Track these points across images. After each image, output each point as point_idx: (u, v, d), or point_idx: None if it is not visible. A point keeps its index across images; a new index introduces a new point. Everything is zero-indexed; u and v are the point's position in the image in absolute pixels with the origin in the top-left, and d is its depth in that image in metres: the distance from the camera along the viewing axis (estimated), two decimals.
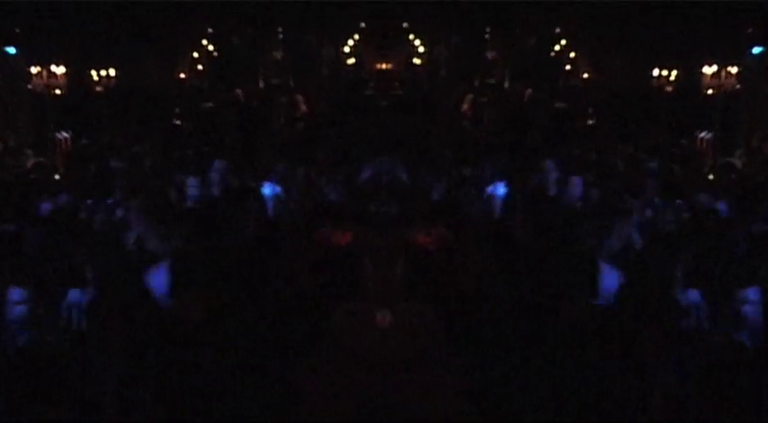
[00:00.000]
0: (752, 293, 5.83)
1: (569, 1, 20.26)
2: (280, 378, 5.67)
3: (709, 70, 17.38)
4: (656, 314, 5.50)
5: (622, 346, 5.59)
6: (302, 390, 4.80)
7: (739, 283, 5.96)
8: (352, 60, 22.18)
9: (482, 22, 21.65)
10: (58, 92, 17.31)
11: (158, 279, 7.14)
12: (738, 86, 16.94)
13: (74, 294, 6.41)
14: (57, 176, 13.50)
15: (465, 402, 4.95)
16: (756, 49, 16.40)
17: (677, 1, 17.70)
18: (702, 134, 16.94)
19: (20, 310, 5.99)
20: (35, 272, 6.50)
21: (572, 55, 21.65)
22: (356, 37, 22.22)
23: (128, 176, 11.11)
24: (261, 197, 9.34)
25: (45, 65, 17.07)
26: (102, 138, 17.66)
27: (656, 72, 19.30)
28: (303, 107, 20.03)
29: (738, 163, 13.24)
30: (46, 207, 9.63)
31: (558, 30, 21.86)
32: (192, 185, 9.22)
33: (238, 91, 20.10)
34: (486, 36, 22.04)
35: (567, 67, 21.66)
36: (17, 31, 15.97)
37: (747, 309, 5.74)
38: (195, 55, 21.53)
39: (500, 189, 9.54)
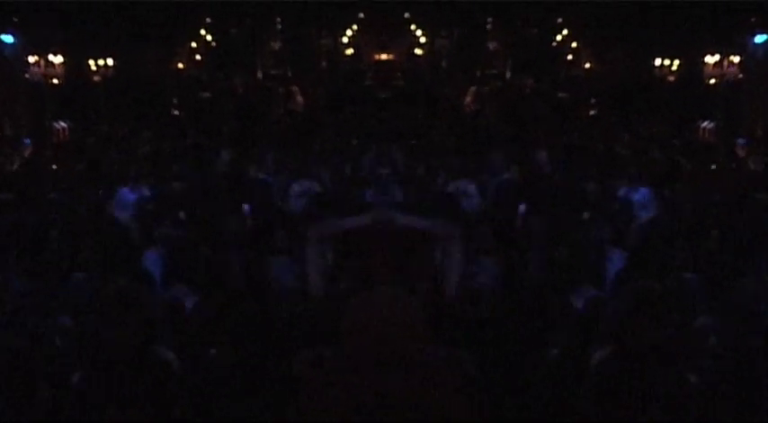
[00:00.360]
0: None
1: None
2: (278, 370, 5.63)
3: (711, 59, 17.30)
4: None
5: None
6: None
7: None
8: (350, 51, 22.08)
9: (484, 12, 21.55)
10: (55, 81, 17.27)
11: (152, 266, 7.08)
12: (741, 76, 16.83)
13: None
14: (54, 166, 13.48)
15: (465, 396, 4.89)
16: (759, 38, 16.29)
17: None
18: (705, 124, 16.85)
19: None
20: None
21: (574, 45, 21.56)
22: (354, 28, 22.12)
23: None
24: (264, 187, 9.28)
25: (43, 54, 17.00)
26: (100, 128, 17.59)
27: (657, 62, 19.22)
28: (299, 98, 19.94)
29: (742, 152, 13.13)
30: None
31: (559, 20, 21.78)
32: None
33: (237, 81, 20.03)
34: (488, 27, 21.96)
35: (569, 57, 21.57)
36: (15, 19, 15.88)
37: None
38: (193, 45, 21.50)
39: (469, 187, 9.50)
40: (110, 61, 18.92)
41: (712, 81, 17.35)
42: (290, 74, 21.34)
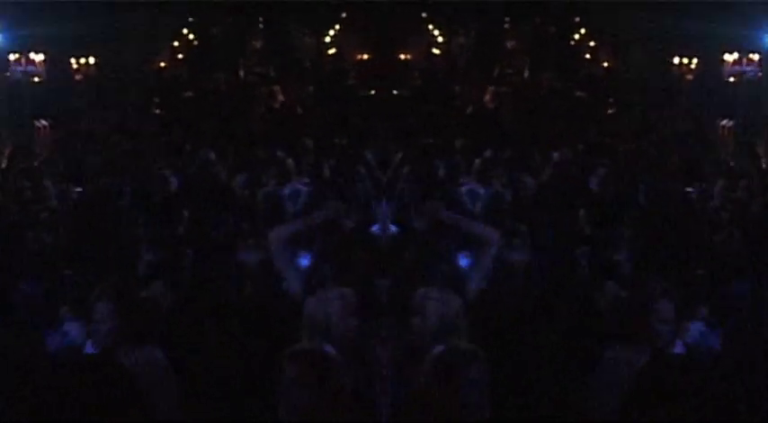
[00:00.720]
0: None
1: None
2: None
3: (730, 58, 17.25)
4: None
5: None
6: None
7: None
8: (332, 51, 21.96)
9: (501, 11, 21.56)
10: (36, 79, 17.24)
11: None
12: (760, 73, 16.81)
13: None
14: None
15: None
16: None
17: None
18: (724, 122, 16.82)
19: None
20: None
21: (592, 44, 21.54)
22: (337, 27, 22.04)
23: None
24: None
25: (24, 52, 16.98)
26: (82, 126, 17.42)
27: (676, 60, 19.18)
28: (280, 97, 19.93)
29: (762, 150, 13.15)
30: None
31: (577, 19, 21.75)
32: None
33: (219, 79, 19.98)
34: (506, 26, 21.96)
35: (587, 56, 21.55)
36: None
37: None
38: (175, 44, 21.41)
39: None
40: (91, 60, 18.84)
41: (731, 79, 17.32)
42: (272, 73, 21.21)
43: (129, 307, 4.91)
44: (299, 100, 19.81)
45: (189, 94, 19.85)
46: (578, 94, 20.33)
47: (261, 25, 21.84)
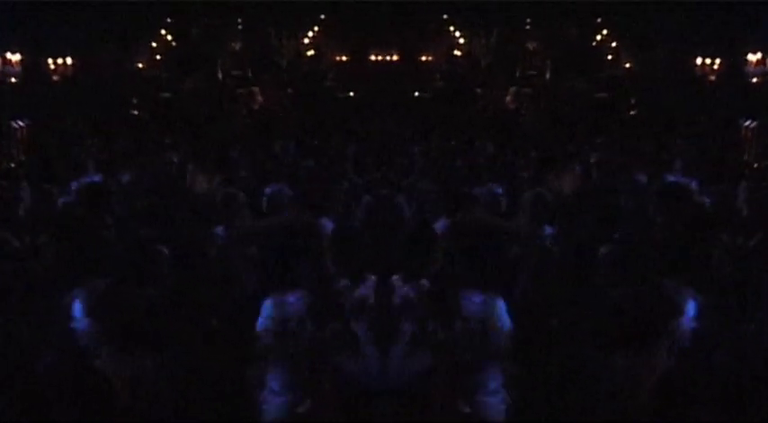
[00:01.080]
0: None
1: None
2: None
3: (753, 58, 17.19)
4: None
5: None
6: None
7: None
8: (311, 52, 21.91)
9: (523, 12, 21.54)
10: (13, 80, 17.28)
11: None
12: None
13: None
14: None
15: None
16: None
17: None
18: (747, 122, 16.75)
19: None
20: None
21: (614, 45, 21.49)
22: (316, 29, 22.01)
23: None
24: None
25: (1, 52, 17.01)
26: (59, 127, 17.32)
27: (699, 60, 19.11)
28: (259, 99, 19.93)
29: None
30: None
31: (599, 19, 21.71)
32: None
33: (196, 80, 19.99)
34: (527, 27, 21.94)
35: (609, 56, 21.50)
36: None
37: None
38: (153, 45, 21.34)
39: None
40: (69, 60, 18.82)
41: (754, 79, 17.24)
42: (250, 74, 21.23)
43: (106, 307, 4.99)
44: (277, 102, 19.86)
45: (167, 95, 19.89)
46: (600, 95, 20.33)
47: (240, 26, 21.74)
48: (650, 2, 18.99)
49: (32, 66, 18.13)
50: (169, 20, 21.54)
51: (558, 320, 6.81)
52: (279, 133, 16.38)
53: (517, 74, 21.40)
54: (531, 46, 21.83)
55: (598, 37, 21.84)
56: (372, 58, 21.36)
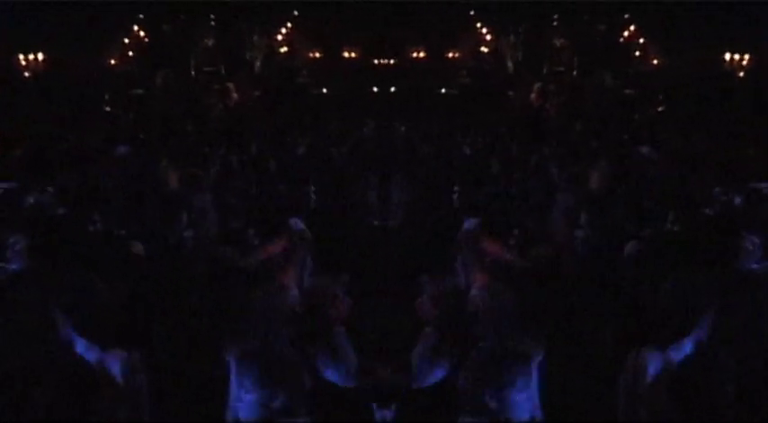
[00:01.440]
0: None
1: None
2: None
3: None
4: None
5: None
6: None
7: None
8: (284, 49, 21.87)
9: (550, 9, 21.50)
10: None
11: None
12: None
13: None
14: None
15: None
16: None
17: None
18: None
19: None
20: None
21: (641, 41, 21.39)
22: (289, 25, 21.97)
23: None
24: None
25: None
26: (31, 123, 17.19)
27: (727, 56, 18.98)
28: (234, 95, 19.91)
29: None
30: None
31: (626, 16, 21.61)
32: None
33: (167, 77, 19.92)
34: (554, 23, 21.88)
35: (637, 53, 21.41)
36: None
37: None
38: (126, 41, 21.27)
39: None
40: (40, 56, 18.79)
41: None
42: (223, 71, 21.16)
43: (84, 303, 5.03)
44: (249, 99, 19.84)
45: (139, 91, 19.91)
46: (627, 91, 20.23)
47: (212, 23, 21.68)
48: None
49: (3, 62, 18.11)
50: (141, 16, 21.49)
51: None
52: (252, 131, 16.40)
53: (544, 70, 21.35)
54: (558, 42, 21.77)
55: (626, 33, 21.74)
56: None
